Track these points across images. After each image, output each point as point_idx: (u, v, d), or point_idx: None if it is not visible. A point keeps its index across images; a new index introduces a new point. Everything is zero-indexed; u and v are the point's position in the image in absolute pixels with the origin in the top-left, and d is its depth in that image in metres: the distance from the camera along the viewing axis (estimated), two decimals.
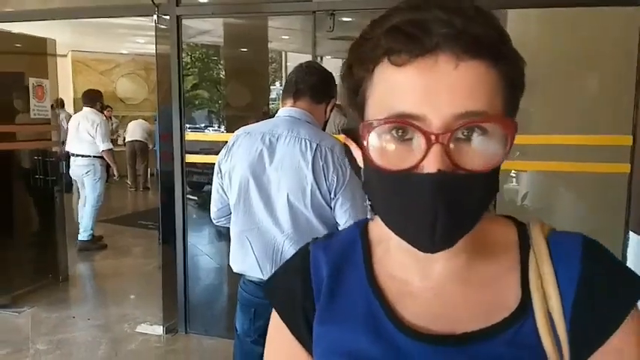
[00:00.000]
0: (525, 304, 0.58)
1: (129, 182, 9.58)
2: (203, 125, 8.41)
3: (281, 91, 2.13)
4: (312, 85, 1.93)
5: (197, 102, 8.84)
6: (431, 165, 0.50)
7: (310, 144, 1.81)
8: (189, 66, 8.93)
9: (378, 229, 0.66)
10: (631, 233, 2.59)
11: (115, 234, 6.30)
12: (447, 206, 0.51)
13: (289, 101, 1.96)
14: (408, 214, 0.53)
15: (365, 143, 0.54)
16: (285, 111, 1.95)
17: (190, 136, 3.62)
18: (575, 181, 3.31)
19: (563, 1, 2.85)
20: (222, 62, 8.21)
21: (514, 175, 3.87)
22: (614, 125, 2.88)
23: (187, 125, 5.39)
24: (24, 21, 4.06)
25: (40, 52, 4.58)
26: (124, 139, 9.58)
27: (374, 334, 0.61)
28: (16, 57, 4.45)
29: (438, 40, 0.49)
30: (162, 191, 3.67)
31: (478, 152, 0.51)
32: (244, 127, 2.00)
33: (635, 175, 2.64)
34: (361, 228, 0.70)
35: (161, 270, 3.71)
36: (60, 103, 4.56)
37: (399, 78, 0.51)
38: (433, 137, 0.50)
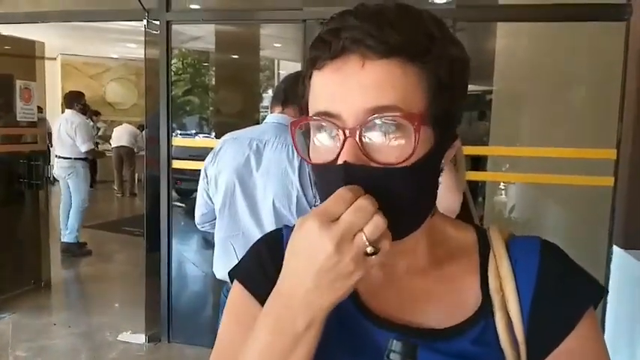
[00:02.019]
0: (486, 305, 0.61)
1: (115, 188, 9.50)
2: (194, 132, 8.38)
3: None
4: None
5: (188, 108, 8.82)
6: (342, 158, 0.54)
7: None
8: (180, 72, 8.91)
9: None
10: (615, 247, 2.60)
11: (99, 240, 6.22)
12: None
13: (277, 108, 1.96)
14: None
15: (299, 143, 0.60)
16: (273, 117, 1.95)
17: (177, 141, 3.59)
18: (561, 194, 3.34)
19: (551, 16, 2.88)
20: (213, 69, 8.21)
21: (502, 187, 3.90)
22: (600, 138, 2.91)
23: (179, 131, 5.38)
24: (14, 23, 4.03)
25: (28, 54, 4.54)
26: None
27: (341, 322, 0.61)
28: (5, 59, 4.41)
29: (344, 43, 0.54)
30: (148, 197, 3.63)
31: (390, 146, 0.54)
32: (231, 132, 1.99)
33: (619, 189, 2.66)
34: None
35: (145, 277, 3.66)
36: None
37: (319, 80, 0.57)
38: (346, 132, 0.53)
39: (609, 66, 2.87)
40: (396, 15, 0.54)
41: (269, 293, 0.56)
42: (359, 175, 0.53)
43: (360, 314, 0.62)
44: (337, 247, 0.49)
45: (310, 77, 0.58)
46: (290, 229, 0.69)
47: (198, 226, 2.07)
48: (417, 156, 0.54)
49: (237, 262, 0.74)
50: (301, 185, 1.78)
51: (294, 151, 1.81)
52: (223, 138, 1.98)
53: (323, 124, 0.56)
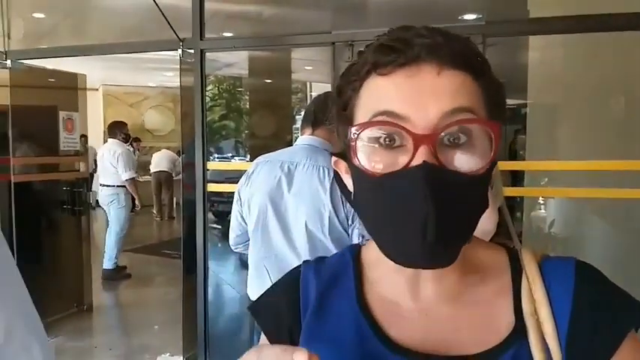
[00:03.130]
0: (519, 329, 0.58)
1: (154, 212, 9.74)
2: (230, 155, 8.56)
3: None
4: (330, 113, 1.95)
5: (224, 132, 9.02)
6: (417, 160, 0.50)
7: (328, 171, 1.82)
8: (216, 97, 9.14)
9: (370, 252, 0.67)
10: None
11: (139, 263, 6.35)
12: (435, 202, 0.49)
13: (308, 130, 1.98)
14: (398, 217, 0.52)
15: (354, 150, 0.54)
16: (304, 139, 1.97)
17: (212, 165, 3.67)
18: (602, 208, 3.22)
19: (584, 27, 2.82)
20: (247, 93, 8.39)
21: (542, 202, 3.79)
22: None
23: (216, 155, 5.48)
24: (58, 57, 4.23)
25: (71, 86, 4.76)
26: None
27: (362, 354, 0.60)
28: (50, 91, 4.63)
29: (419, 50, 0.52)
30: (185, 221, 3.70)
31: (464, 156, 0.52)
32: (264, 155, 2.02)
33: None
34: (354, 251, 0.69)
35: (182, 299, 3.71)
36: None
37: (385, 84, 0.54)
38: (420, 138, 0.50)
39: None
40: (453, 35, 0.55)
41: (280, 337, 0.58)
42: (439, 178, 0.50)
43: (382, 346, 0.59)
44: None
45: (361, 85, 0.56)
46: (308, 266, 0.69)
47: (232, 248, 2.10)
48: (487, 166, 0.53)
49: (270, 284, 0.76)
50: (333, 206, 1.78)
51: (325, 172, 1.82)
52: (256, 161, 2.01)
53: (393, 133, 0.52)
